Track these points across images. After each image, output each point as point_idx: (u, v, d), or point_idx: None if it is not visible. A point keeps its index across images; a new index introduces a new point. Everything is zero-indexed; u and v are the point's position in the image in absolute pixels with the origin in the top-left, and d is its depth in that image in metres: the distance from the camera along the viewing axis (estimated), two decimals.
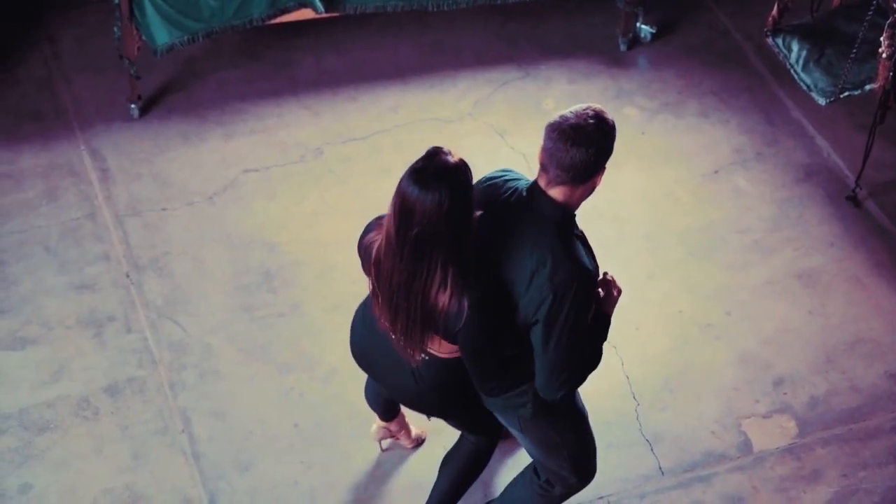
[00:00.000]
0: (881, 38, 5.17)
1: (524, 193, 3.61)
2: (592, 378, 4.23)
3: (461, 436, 4.36)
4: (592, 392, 4.29)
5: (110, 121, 5.77)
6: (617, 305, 3.91)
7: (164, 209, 5.46)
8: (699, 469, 4.76)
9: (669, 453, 4.79)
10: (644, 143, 5.83)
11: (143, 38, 5.58)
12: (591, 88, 5.99)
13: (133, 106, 5.77)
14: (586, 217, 5.31)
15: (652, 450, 4.80)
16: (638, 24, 6.22)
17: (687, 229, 5.50)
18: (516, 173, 3.74)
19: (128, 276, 5.22)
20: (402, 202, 3.46)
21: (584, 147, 3.47)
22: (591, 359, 3.79)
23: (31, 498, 4.58)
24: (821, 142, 5.85)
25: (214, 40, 5.99)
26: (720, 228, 5.50)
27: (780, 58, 5.60)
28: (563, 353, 3.64)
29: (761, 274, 5.35)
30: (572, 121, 3.48)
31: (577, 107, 3.53)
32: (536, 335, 3.62)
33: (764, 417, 4.91)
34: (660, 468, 4.76)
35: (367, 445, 4.76)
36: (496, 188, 3.68)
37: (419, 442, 4.78)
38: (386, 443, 4.75)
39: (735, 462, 4.78)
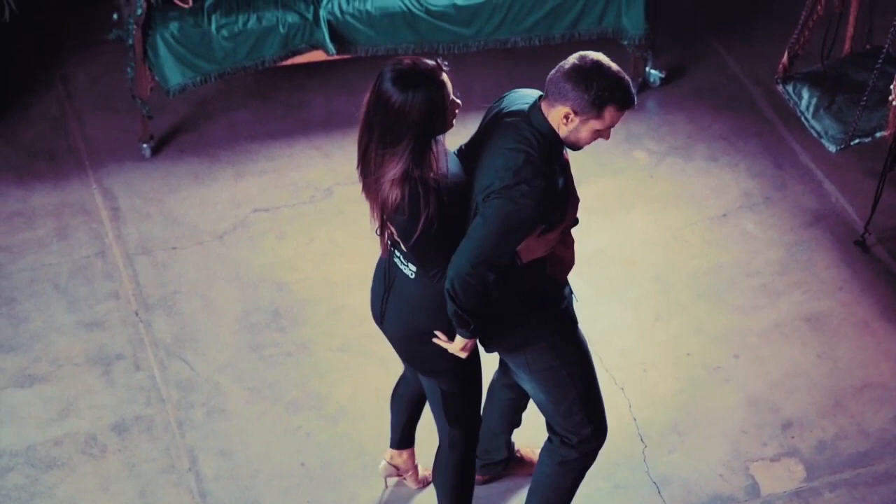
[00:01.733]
0: (891, 87, 5.20)
1: (525, 108, 3.77)
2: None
3: (438, 444, 4.32)
4: (607, 427, 4.28)
5: (122, 160, 5.81)
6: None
7: (174, 248, 5.48)
8: None
9: (677, 496, 4.77)
10: (653, 186, 5.85)
11: (156, 78, 5.63)
12: None
13: (145, 145, 5.81)
14: (594, 260, 5.38)
15: (659, 492, 4.78)
16: (647, 69, 6.26)
17: (695, 272, 5.51)
18: (532, 92, 3.86)
19: (137, 314, 5.24)
20: (376, 93, 3.65)
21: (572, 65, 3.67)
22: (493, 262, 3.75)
23: None
24: (829, 187, 5.87)
25: (226, 81, 6.04)
26: (728, 271, 5.51)
27: (791, 105, 5.62)
28: (483, 237, 3.67)
29: (770, 317, 5.35)
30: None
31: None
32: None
33: (772, 461, 4.90)
34: None
35: (374, 485, 4.76)
36: (505, 99, 3.87)
37: (426, 483, 4.77)
38: (392, 480, 4.74)
39: None
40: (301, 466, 4.81)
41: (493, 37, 5.89)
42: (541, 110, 3.73)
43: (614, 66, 3.69)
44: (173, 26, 5.52)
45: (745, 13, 6.69)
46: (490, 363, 4.31)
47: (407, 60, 3.67)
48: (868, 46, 5.73)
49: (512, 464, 4.76)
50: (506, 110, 3.82)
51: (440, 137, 3.74)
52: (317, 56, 5.74)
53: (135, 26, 5.51)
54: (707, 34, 6.58)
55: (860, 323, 5.35)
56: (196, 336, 5.18)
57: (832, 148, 5.42)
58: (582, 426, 4.17)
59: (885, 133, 5.33)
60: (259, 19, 5.60)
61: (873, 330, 5.33)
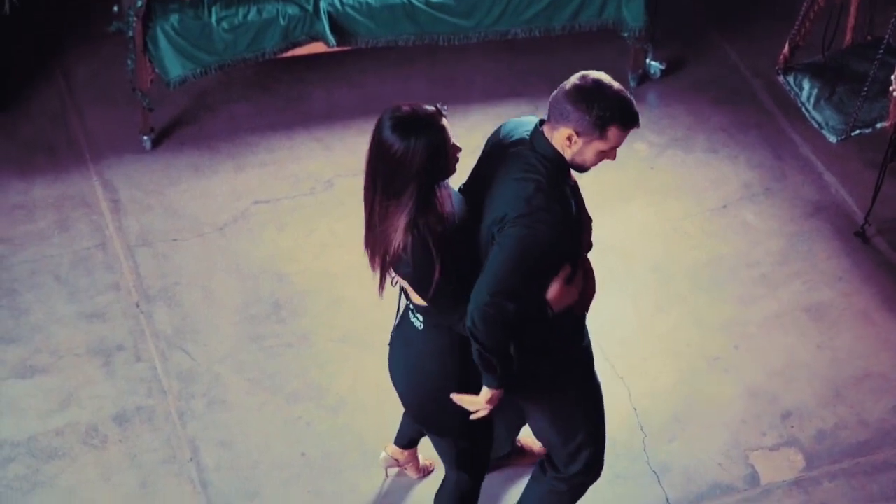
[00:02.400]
0: (892, 77, 5.21)
1: (527, 136, 3.70)
2: None
3: (445, 475, 4.31)
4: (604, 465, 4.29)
5: (122, 152, 5.82)
6: (591, 303, 3.92)
7: (174, 240, 5.49)
8: (706, 501, 4.75)
9: (676, 485, 4.78)
10: (653, 177, 5.85)
11: (157, 70, 5.64)
12: None
13: (145, 138, 5.82)
14: (595, 251, 5.35)
15: (659, 481, 4.79)
16: (648, 61, 6.26)
17: (695, 263, 5.52)
18: (532, 119, 3.80)
19: (137, 305, 5.25)
20: (377, 142, 3.59)
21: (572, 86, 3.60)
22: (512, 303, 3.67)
23: None
24: (829, 178, 5.87)
25: (227, 73, 6.04)
26: (728, 262, 5.52)
27: (791, 96, 5.62)
28: (501, 264, 3.59)
29: (769, 307, 5.36)
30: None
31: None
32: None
33: (771, 450, 4.90)
34: (667, 500, 4.75)
35: (375, 476, 4.77)
36: (508, 129, 3.79)
37: (426, 472, 4.78)
38: (392, 471, 4.75)
39: (742, 494, 4.77)
40: (301, 457, 4.82)
41: (494, 28, 5.89)
42: (543, 135, 3.65)
43: (616, 84, 3.59)
44: (173, 18, 5.53)
45: (745, 5, 6.69)
46: None
47: (405, 107, 3.59)
48: (869, 37, 5.74)
49: (513, 455, 4.77)
50: (507, 140, 3.73)
51: (444, 182, 3.67)
52: (317, 48, 5.74)
53: (135, 18, 5.51)
54: (708, 26, 6.59)
55: (860, 313, 5.35)
56: (197, 327, 5.19)
57: (833, 139, 5.42)
58: (582, 462, 4.16)
59: (885, 124, 5.34)
60: (259, 11, 5.60)
61: (873, 320, 5.33)
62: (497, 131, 3.83)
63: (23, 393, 4.95)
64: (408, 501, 4.73)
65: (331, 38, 5.67)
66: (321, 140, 5.93)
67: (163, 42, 5.54)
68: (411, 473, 4.76)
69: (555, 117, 3.61)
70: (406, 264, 3.64)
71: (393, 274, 3.76)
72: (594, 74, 3.60)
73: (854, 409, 5.04)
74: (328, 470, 4.78)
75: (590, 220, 3.86)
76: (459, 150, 3.64)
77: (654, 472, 4.82)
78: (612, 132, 3.59)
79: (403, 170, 3.54)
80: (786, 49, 5.60)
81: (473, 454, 4.14)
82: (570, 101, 3.57)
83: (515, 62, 6.31)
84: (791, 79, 5.61)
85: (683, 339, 5.24)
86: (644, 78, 6.28)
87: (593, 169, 3.63)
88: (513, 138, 3.73)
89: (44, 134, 5.89)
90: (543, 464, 4.28)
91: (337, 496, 4.71)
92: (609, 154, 3.66)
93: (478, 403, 3.83)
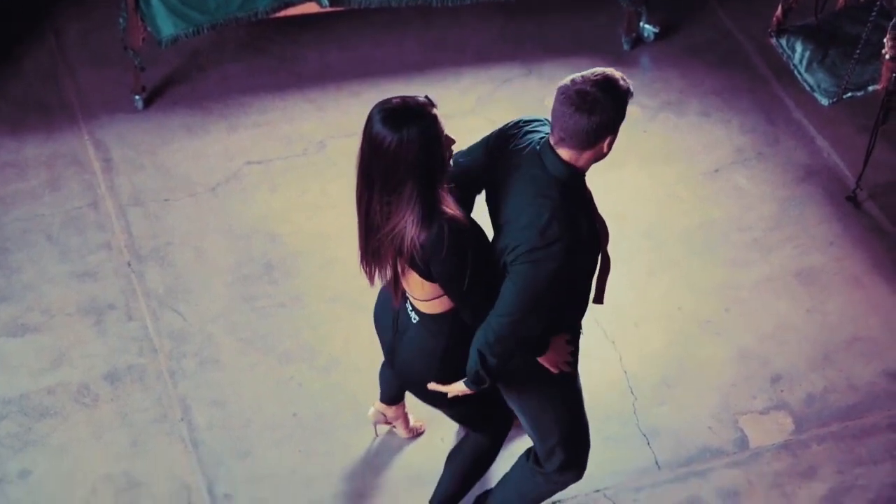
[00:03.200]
0: (884, 40, 5.19)
1: (537, 147, 3.60)
2: (590, 372, 4.26)
3: (466, 431, 4.35)
4: (590, 386, 4.30)
5: (114, 112, 5.79)
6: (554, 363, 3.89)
7: (166, 199, 5.48)
8: (695, 464, 4.77)
9: (666, 448, 4.81)
10: (645, 141, 5.85)
11: (149, 29, 5.61)
12: None
13: (137, 97, 5.80)
14: None
15: (649, 444, 4.81)
16: (641, 24, 6.24)
17: (687, 227, 5.52)
18: (545, 124, 3.69)
19: (129, 265, 5.25)
20: (369, 138, 3.51)
21: (586, 114, 3.44)
22: (527, 331, 3.67)
23: (30, 483, 4.60)
24: (821, 142, 5.87)
25: (219, 33, 6.02)
26: (720, 226, 5.52)
27: (784, 58, 5.62)
28: (515, 303, 3.56)
29: (761, 272, 5.37)
30: (578, 86, 3.45)
31: (590, 71, 3.49)
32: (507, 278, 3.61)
33: (761, 414, 4.92)
34: (656, 462, 4.77)
35: (366, 436, 4.78)
36: (513, 137, 3.67)
37: (417, 433, 4.79)
38: (381, 428, 4.77)
39: (731, 457, 4.79)
40: (293, 417, 4.83)
41: None
42: (554, 152, 3.55)
43: (600, 76, 3.50)
44: None
45: None
46: None
47: (395, 100, 3.51)
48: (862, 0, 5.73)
49: (512, 415, 4.78)
50: (519, 146, 3.63)
51: (445, 185, 3.58)
52: (310, 8, 5.71)
53: None
54: None
55: (850, 278, 5.37)
56: (188, 287, 5.19)
57: (824, 101, 5.42)
58: (557, 462, 4.16)
59: (877, 87, 5.33)
60: None
61: (863, 284, 5.34)
62: (504, 135, 3.70)
63: (14, 351, 4.95)
64: (399, 461, 4.75)
65: None
66: (314, 101, 5.91)
67: (155, 0, 5.51)
68: (400, 432, 4.77)
69: (577, 144, 3.50)
70: (437, 252, 3.54)
71: (403, 285, 3.72)
72: (578, 83, 3.47)
73: (843, 372, 5.06)
74: (320, 430, 4.80)
75: (605, 228, 3.78)
76: (453, 141, 3.56)
77: (644, 435, 4.84)
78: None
79: (400, 162, 3.47)
80: (779, 11, 5.59)
81: (480, 417, 4.16)
82: (596, 123, 3.46)
83: (509, 25, 6.30)
84: (783, 41, 5.60)
85: (675, 303, 5.26)
86: (637, 41, 6.26)
87: None
88: (522, 149, 3.62)
89: (35, 93, 5.86)
90: (529, 449, 4.29)
91: (328, 456, 4.73)
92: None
93: (454, 391, 3.86)
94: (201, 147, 5.69)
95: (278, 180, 5.58)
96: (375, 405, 4.69)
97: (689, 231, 5.51)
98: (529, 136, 3.66)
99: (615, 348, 5.08)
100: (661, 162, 5.77)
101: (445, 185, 3.57)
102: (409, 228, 3.52)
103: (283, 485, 4.64)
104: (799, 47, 5.55)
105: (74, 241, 5.31)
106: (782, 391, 4.99)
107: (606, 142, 3.53)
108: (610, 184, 5.65)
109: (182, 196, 5.49)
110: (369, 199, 3.57)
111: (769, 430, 4.87)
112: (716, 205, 5.61)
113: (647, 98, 6.01)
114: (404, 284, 3.75)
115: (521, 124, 3.71)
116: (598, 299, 3.94)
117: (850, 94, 5.38)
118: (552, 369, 3.85)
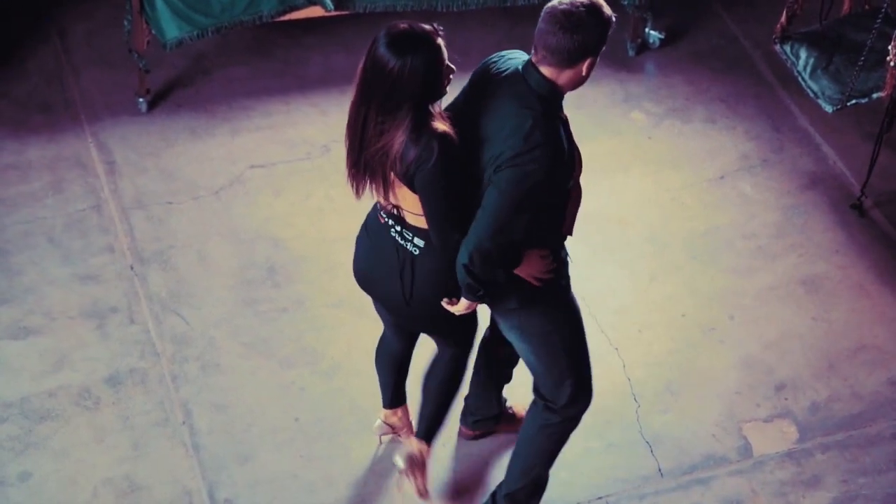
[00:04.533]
0: (889, 47, 5.18)
1: (519, 68, 3.73)
2: (593, 378, 4.24)
3: (436, 353, 4.37)
4: (593, 392, 4.29)
5: (118, 114, 5.79)
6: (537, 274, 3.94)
7: (169, 203, 5.47)
8: (698, 472, 4.76)
9: (669, 455, 4.79)
10: (650, 147, 5.84)
11: (153, 32, 5.60)
12: (599, 92, 5.99)
13: (141, 100, 5.79)
14: (590, 220, 5.37)
15: (652, 451, 4.80)
16: (647, 30, 6.23)
17: (691, 233, 5.51)
18: (519, 53, 3.84)
19: (132, 268, 5.23)
20: (372, 59, 3.62)
21: (570, 33, 3.60)
22: (507, 237, 3.75)
23: (30, 486, 4.59)
24: (827, 150, 5.86)
25: (224, 36, 6.01)
26: (725, 233, 5.51)
27: (788, 65, 5.60)
28: (499, 207, 3.67)
29: (765, 279, 5.35)
30: (564, 6, 3.61)
31: None
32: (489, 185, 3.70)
33: (765, 422, 4.91)
34: (659, 470, 4.75)
35: (368, 441, 4.77)
36: (494, 63, 3.81)
37: None
38: (386, 438, 4.75)
39: (735, 465, 4.78)
40: (295, 421, 4.82)
41: None
42: (536, 69, 3.69)
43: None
44: None
45: None
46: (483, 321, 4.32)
47: (402, 25, 3.63)
48: (867, 6, 5.71)
49: (503, 420, 4.77)
50: (497, 73, 3.77)
51: (438, 102, 3.71)
52: (315, 12, 5.70)
53: None
54: None
55: (855, 286, 5.35)
56: (191, 291, 5.17)
57: (829, 108, 5.40)
58: (568, 391, 4.18)
59: (882, 94, 5.32)
60: None
61: (868, 293, 5.33)
62: (485, 65, 3.84)
63: (16, 354, 4.94)
64: None
65: (329, 2, 5.63)
66: (317, 105, 5.90)
67: (160, 3, 5.50)
68: (405, 440, 4.74)
69: (558, 62, 3.64)
70: (425, 162, 3.63)
71: (394, 200, 3.79)
72: (575, 8, 3.60)
73: (848, 381, 5.04)
74: (322, 435, 4.78)
75: (580, 156, 3.88)
76: (453, 70, 3.68)
77: (647, 442, 4.82)
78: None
79: (400, 86, 3.58)
80: (783, 18, 5.57)
81: (463, 332, 4.22)
82: (578, 42, 3.60)
83: (514, 29, 6.28)
84: (788, 48, 5.59)
85: (678, 310, 5.24)
86: (643, 47, 6.25)
87: (590, 138, 3.68)
88: (503, 72, 3.76)
89: (39, 94, 5.85)
90: (535, 397, 4.29)
91: (330, 461, 4.71)
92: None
93: (459, 310, 3.96)
94: (205, 150, 5.68)
95: (282, 184, 5.57)
96: (381, 416, 4.67)
97: (693, 237, 5.50)
98: (510, 61, 3.79)
99: (618, 355, 5.07)
100: (665, 168, 5.75)
101: (439, 108, 3.69)
102: (400, 143, 3.63)
103: (285, 490, 4.63)
104: (803, 54, 5.54)
105: (77, 244, 5.29)
106: (786, 399, 4.97)
107: (586, 64, 3.67)
108: (614, 188, 5.64)
109: (185, 199, 5.48)
110: (365, 115, 3.67)
111: (773, 439, 4.85)
112: (720, 211, 5.59)
113: (653, 104, 6.00)
114: (395, 199, 3.81)
115: (501, 53, 3.85)
116: (569, 230, 4.01)
117: (854, 102, 5.36)
118: (533, 282, 3.93)
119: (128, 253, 5.28)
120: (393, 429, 4.70)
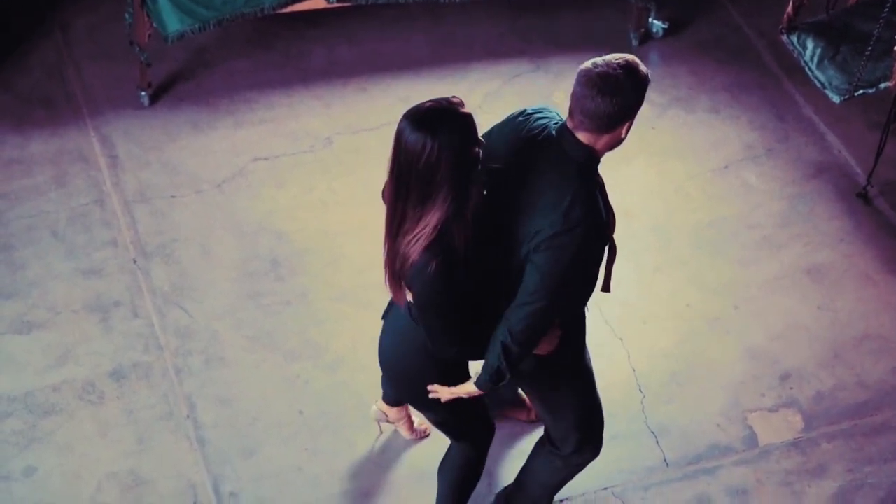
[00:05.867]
0: None
1: (553, 133, 3.58)
2: (599, 369, 4.23)
3: (449, 445, 4.29)
4: (598, 383, 4.26)
5: (120, 108, 5.77)
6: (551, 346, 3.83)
7: (172, 196, 5.46)
8: (704, 461, 4.74)
9: (675, 445, 4.78)
10: (655, 137, 5.82)
11: (155, 25, 5.59)
12: None
13: (143, 93, 5.78)
14: None
15: (657, 442, 4.78)
16: (650, 20, 6.21)
17: (696, 224, 5.49)
18: (551, 111, 3.69)
19: (135, 261, 5.22)
20: (404, 146, 3.40)
21: (608, 97, 3.42)
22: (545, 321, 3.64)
23: (35, 481, 4.58)
24: (832, 139, 5.83)
25: (225, 29, 5.99)
26: (730, 223, 5.49)
27: (795, 55, 5.58)
28: (542, 289, 3.54)
29: (770, 269, 5.34)
30: (601, 69, 3.43)
31: (612, 55, 3.47)
32: (528, 267, 3.57)
33: (770, 411, 4.89)
34: (665, 460, 4.74)
35: (372, 434, 4.76)
36: (525, 123, 3.64)
37: (421, 435, 4.76)
38: (386, 426, 4.74)
39: (740, 455, 4.76)
40: (299, 414, 4.81)
41: None
42: (572, 134, 3.52)
43: (622, 60, 3.48)
44: None
45: None
46: None
47: (427, 104, 3.40)
48: None
49: (515, 405, 4.75)
50: (532, 132, 3.60)
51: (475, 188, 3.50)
52: (317, 4, 5.68)
53: None
54: None
55: (861, 275, 5.33)
56: (194, 284, 5.16)
57: (836, 99, 5.38)
58: (574, 444, 4.15)
59: (889, 84, 5.29)
60: None
61: (874, 282, 5.31)
62: (514, 127, 3.66)
63: (20, 348, 4.93)
64: (404, 459, 4.72)
65: None
66: (321, 97, 5.89)
67: None
68: (403, 432, 4.74)
69: (597, 127, 3.48)
70: (419, 276, 3.48)
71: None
72: (600, 66, 3.44)
73: (853, 370, 5.03)
74: (326, 428, 4.77)
75: (613, 214, 3.75)
76: (482, 142, 3.46)
77: (653, 432, 4.81)
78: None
79: (436, 169, 3.35)
80: (790, 7, 5.55)
81: (464, 425, 4.10)
82: (617, 106, 3.44)
83: (517, 20, 6.26)
84: (794, 38, 5.56)
85: (683, 301, 5.22)
86: (646, 37, 6.23)
87: None
88: (536, 135, 3.60)
89: (41, 88, 5.84)
90: (543, 437, 4.27)
91: (334, 454, 4.70)
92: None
93: (459, 393, 3.82)
94: (207, 143, 5.67)
95: (285, 177, 5.55)
96: (377, 404, 4.67)
97: (698, 228, 5.48)
98: (540, 122, 3.63)
99: (623, 345, 5.05)
100: (670, 158, 5.73)
101: (475, 185, 3.49)
102: (415, 247, 3.44)
103: (289, 483, 4.62)
104: (810, 44, 5.51)
105: (80, 238, 5.29)
106: (792, 389, 4.96)
107: (625, 127, 3.52)
108: (618, 180, 5.61)
109: (188, 193, 5.47)
110: (403, 209, 3.45)
111: (778, 428, 4.84)
112: (725, 202, 5.57)
113: (657, 94, 5.98)
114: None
115: (527, 112, 3.68)
116: (606, 287, 3.91)
117: (861, 92, 5.34)
118: (540, 352, 3.80)
119: (131, 246, 5.27)
120: (387, 417, 4.68)
